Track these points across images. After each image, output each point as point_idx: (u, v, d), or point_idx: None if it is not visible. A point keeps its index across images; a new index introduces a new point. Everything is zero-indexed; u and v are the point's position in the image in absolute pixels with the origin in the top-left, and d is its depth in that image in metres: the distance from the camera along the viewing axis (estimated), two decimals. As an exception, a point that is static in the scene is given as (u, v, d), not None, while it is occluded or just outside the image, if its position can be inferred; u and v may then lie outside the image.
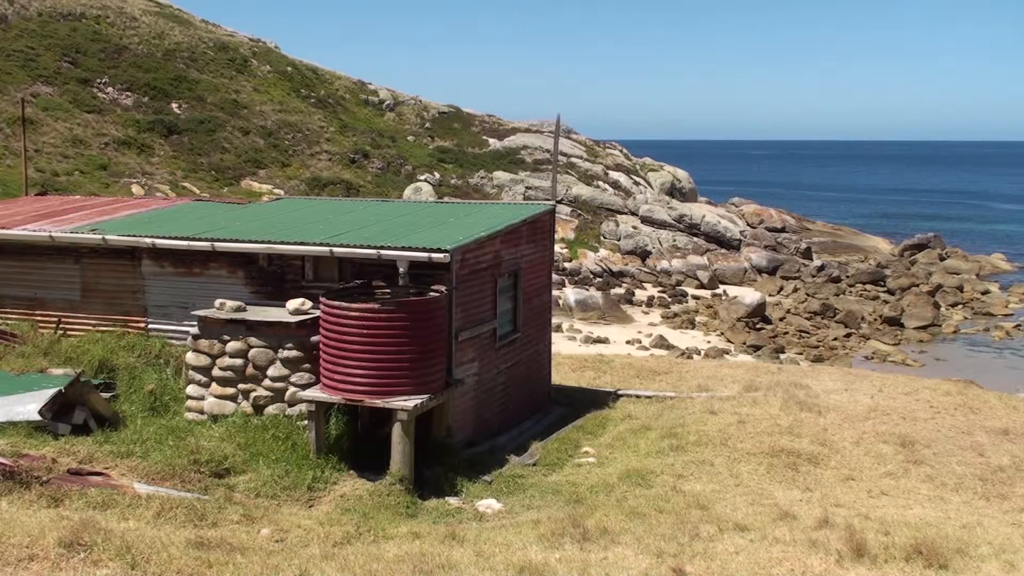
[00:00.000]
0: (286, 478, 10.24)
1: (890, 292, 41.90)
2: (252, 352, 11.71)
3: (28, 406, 10.44)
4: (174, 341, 13.15)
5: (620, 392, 16.56)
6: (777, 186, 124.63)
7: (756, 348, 31.29)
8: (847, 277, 44.44)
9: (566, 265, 42.03)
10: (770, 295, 40.25)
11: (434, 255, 11.65)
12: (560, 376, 17.97)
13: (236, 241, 12.88)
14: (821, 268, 45.96)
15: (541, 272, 15.54)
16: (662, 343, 30.87)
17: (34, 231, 13.80)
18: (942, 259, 50.63)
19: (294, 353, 11.60)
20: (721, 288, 42.29)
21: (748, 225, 51.86)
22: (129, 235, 13.38)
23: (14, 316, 13.93)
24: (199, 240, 12.96)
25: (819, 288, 42.11)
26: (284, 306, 12.05)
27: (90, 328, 13.56)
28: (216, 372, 11.85)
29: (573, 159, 53.93)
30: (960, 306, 40.25)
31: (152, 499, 8.55)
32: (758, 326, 34.10)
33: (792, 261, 46.75)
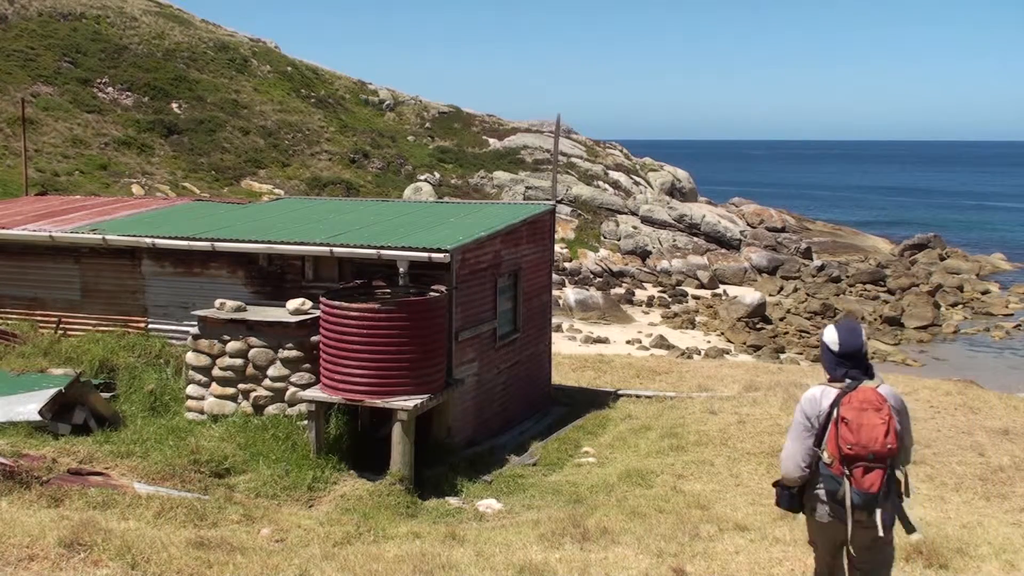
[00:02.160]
0: (286, 478, 10.24)
1: (890, 292, 41.92)
2: (252, 352, 11.71)
3: (28, 406, 10.44)
4: (174, 341, 13.16)
5: (620, 392, 16.56)
6: (777, 186, 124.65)
7: (756, 348, 31.30)
8: (847, 277, 44.46)
9: (566, 265, 42.03)
10: (770, 295, 40.25)
11: (434, 255, 11.65)
12: (560, 376, 17.97)
13: (236, 241, 12.89)
14: (821, 268, 45.98)
15: (541, 272, 15.54)
16: (662, 343, 30.88)
17: (34, 231, 13.80)
18: (942, 259, 50.64)
19: (294, 353, 11.60)
20: (721, 288, 42.30)
21: (748, 225, 51.87)
22: (129, 235, 13.38)
23: (14, 316, 13.93)
24: (199, 240, 12.97)
25: (819, 288, 42.12)
26: (284, 306, 12.05)
27: (90, 328, 13.57)
28: (216, 372, 11.85)
29: (573, 159, 53.94)
30: (960, 306, 40.26)
31: (152, 499, 8.55)
32: (758, 326, 34.11)
33: (792, 261, 46.76)
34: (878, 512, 4.81)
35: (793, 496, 5.18)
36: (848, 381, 4.96)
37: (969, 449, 12.26)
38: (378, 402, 10.88)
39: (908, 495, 5.01)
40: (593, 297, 36.73)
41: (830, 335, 5.08)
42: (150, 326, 13.50)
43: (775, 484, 5.29)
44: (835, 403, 4.91)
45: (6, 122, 37.18)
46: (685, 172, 59.63)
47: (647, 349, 30.07)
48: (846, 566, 5.18)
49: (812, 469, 5.02)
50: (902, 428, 4.88)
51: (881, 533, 4.86)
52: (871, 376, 4.98)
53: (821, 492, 5.00)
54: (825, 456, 4.91)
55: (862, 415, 4.82)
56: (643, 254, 45.72)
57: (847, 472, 4.81)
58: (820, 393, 5.02)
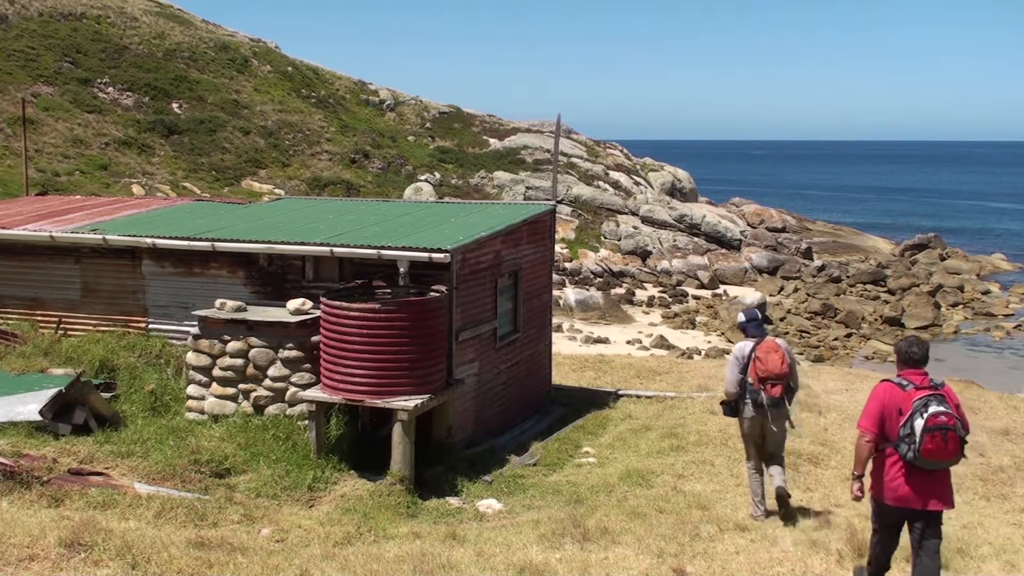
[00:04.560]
0: (286, 478, 10.23)
1: (890, 292, 41.92)
2: (252, 352, 11.71)
3: (29, 406, 10.44)
4: (174, 341, 13.16)
5: (620, 392, 16.55)
6: (777, 186, 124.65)
7: (756, 348, 31.26)
8: (847, 277, 44.45)
9: (566, 265, 42.03)
10: (771, 295, 40.26)
11: (434, 255, 11.65)
12: (560, 376, 17.96)
13: (236, 241, 12.88)
14: (822, 268, 45.98)
15: (541, 272, 15.54)
16: (662, 343, 30.88)
17: (35, 231, 13.80)
18: (942, 259, 50.63)
19: (294, 353, 11.60)
20: (722, 288, 42.30)
21: (748, 225, 51.86)
22: (129, 235, 13.38)
23: (14, 316, 13.93)
24: (199, 240, 12.96)
25: (819, 288, 42.12)
26: (284, 306, 12.05)
27: (91, 328, 13.57)
28: (217, 372, 11.85)
29: (573, 159, 53.94)
30: (961, 306, 40.26)
31: (153, 499, 8.55)
32: (759, 326, 34.08)
33: (792, 261, 46.76)
34: (782, 408, 8.83)
35: (731, 407, 9.10)
36: (757, 337, 8.95)
37: (969, 449, 12.21)
38: (378, 402, 10.88)
39: (791, 403, 8.97)
40: (593, 297, 36.73)
41: (740, 315, 9.30)
42: (150, 326, 13.49)
43: (721, 403, 9.33)
44: (752, 349, 8.87)
45: (6, 122, 37.19)
46: (685, 172, 59.65)
47: (647, 349, 30.07)
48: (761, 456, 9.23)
49: (741, 389, 8.91)
50: (791, 361, 8.86)
51: (774, 425, 8.90)
52: (766, 335, 9.03)
53: (748, 404, 8.90)
54: (749, 379, 8.84)
55: (768, 354, 8.79)
56: (643, 254, 45.73)
57: (762, 387, 8.77)
58: (744, 345, 8.99)
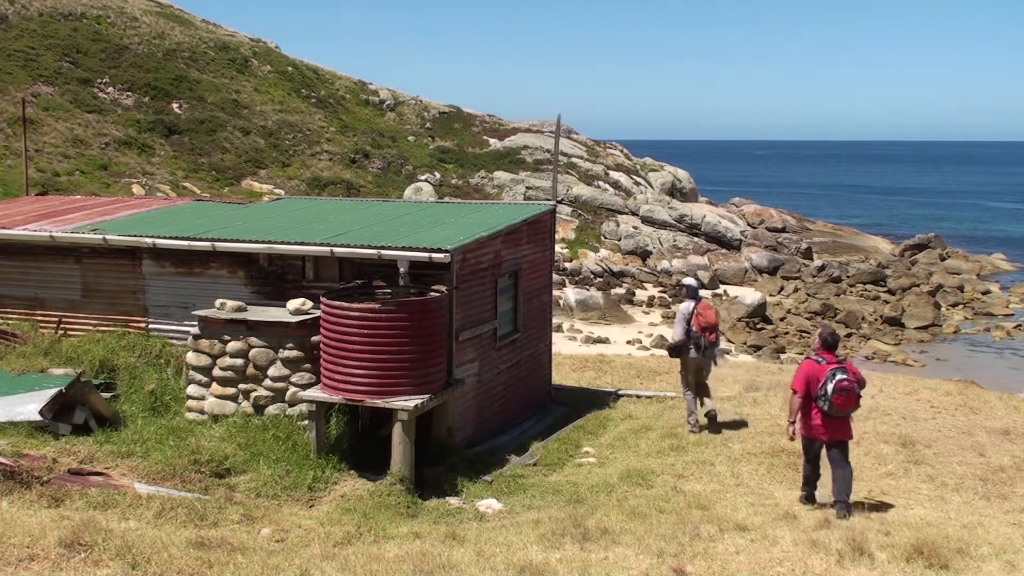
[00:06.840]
0: (286, 478, 10.24)
1: (891, 292, 41.89)
2: (253, 352, 11.71)
3: (29, 406, 10.44)
4: (175, 341, 13.16)
5: (621, 392, 16.55)
6: (777, 186, 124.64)
7: (757, 348, 31.30)
8: (848, 277, 44.43)
9: (567, 265, 42.03)
10: (771, 295, 40.25)
11: (435, 255, 11.65)
12: (561, 376, 17.96)
13: (237, 241, 12.88)
14: (822, 268, 45.96)
15: (542, 272, 15.54)
16: (663, 343, 30.84)
17: (35, 231, 13.81)
18: (943, 259, 50.59)
19: (295, 353, 11.60)
20: (722, 288, 42.29)
21: (748, 225, 51.86)
22: (130, 235, 13.38)
23: (14, 316, 13.94)
24: (200, 240, 12.97)
25: (820, 288, 42.10)
26: (285, 306, 12.06)
27: (91, 328, 13.57)
28: (217, 372, 11.85)
29: (573, 159, 53.93)
30: (961, 306, 40.24)
31: (153, 499, 8.56)
32: (759, 326, 34.10)
33: (793, 261, 46.75)
34: (715, 349, 12.83)
35: (677, 351, 12.82)
36: (696, 300, 12.72)
37: (969, 449, 12.26)
38: (379, 402, 10.88)
39: (718, 348, 12.98)
40: (593, 297, 36.72)
41: (692, 281, 13.26)
42: (150, 326, 13.50)
43: (668, 348, 13.41)
44: (694, 307, 12.61)
45: (7, 122, 37.20)
46: (685, 172, 59.63)
47: (647, 349, 30.07)
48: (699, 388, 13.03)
49: (686, 337, 12.62)
50: (718, 316, 12.95)
51: (709, 361, 13.00)
52: (702, 299, 12.84)
53: (692, 347, 12.65)
54: (693, 328, 12.56)
55: (706, 311, 12.65)
56: (643, 254, 45.72)
57: (701, 334, 12.53)
58: (688, 304, 12.74)
